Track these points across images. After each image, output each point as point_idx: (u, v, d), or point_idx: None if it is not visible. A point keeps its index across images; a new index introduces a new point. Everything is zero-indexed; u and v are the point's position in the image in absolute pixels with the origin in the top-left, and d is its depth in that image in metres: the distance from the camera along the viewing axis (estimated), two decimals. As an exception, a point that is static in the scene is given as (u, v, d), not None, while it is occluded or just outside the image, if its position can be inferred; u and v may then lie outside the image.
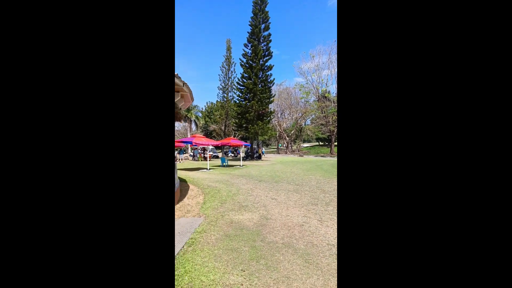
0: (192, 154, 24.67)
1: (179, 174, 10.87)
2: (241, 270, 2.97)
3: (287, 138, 42.54)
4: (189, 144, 23.10)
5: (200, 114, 30.67)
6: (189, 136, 27.85)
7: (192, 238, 4.04)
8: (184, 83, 5.03)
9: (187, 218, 5.19)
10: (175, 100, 5.70)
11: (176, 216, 5.30)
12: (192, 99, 6.19)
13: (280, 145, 46.75)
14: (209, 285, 2.70)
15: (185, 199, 6.53)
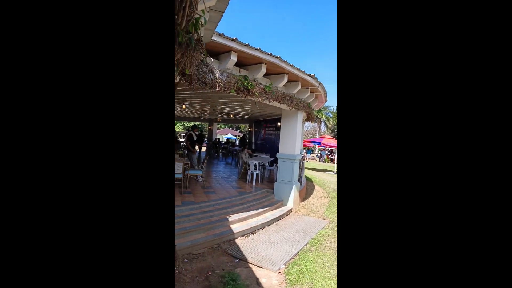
0: (319, 155, 24.67)
1: (306, 173, 11.15)
2: None
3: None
4: (316, 145, 23.18)
5: (331, 115, 29.95)
6: (317, 136, 27.97)
7: (315, 239, 4.03)
8: (319, 84, 5.05)
9: (311, 217, 5.25)
10: (309, 101, 5.83)
11: (300, 213, 5.48)
12: (326, 100, 6.10)
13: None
14: (330, 292, 2.59)
15: (310, 198, 6.61)
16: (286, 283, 2.81)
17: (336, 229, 4.52)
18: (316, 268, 3.09)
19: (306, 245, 3.82)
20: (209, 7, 1.98)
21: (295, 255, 3.49)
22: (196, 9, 1.33)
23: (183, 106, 7.90)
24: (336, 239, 4.09)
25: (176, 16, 1.39)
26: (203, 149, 15.11)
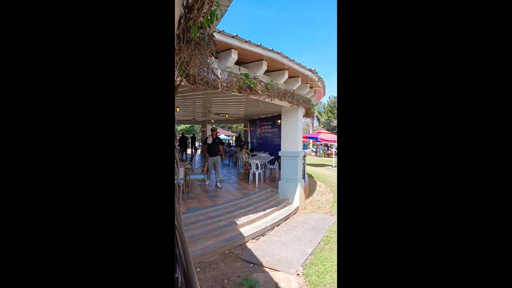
0: (314, 150, 24.76)
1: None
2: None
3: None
4: (311, 140, 23.25)
5: (323, 109, 30.06)
6: (311, 132, 28.05)
7: (327, 236, 3.96)
8: (319, 78, 4.97)
9: (319, 214, 5.17)
10: (309, 96, 5.75)
11: (307, 211, 5.40)
12: (324, 94, 6.04)
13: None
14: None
15: (315, 195, 6.55)
16: (307, 285, 2.72)
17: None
18: (335, 267, 3.01)
19: (319, 243, 3.73)
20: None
21: (310, 254, 3.41)
22: (216, -1, 1.19)
23: (177, 109, 7.69)
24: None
25: (188, 9, 1.25)
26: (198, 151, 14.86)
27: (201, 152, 6.61)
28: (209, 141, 5.68)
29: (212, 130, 6.05)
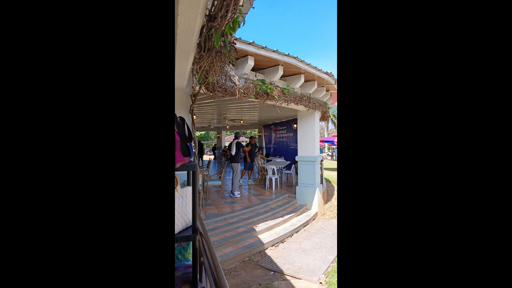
0: (330, 154, 24.31)
1: (321, 173, 10.91)
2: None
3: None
4: (327, 144, 22.86)
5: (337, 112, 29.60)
6: (326, 135, 27.61)
7: (349, 243, 3.83)
8: (335, 81, 4.90)
9: (338, 220, 5.03)
10: (325, 99, 5.67)
11: (326, 217, 5.27)
12: (341, 97, 5.90)
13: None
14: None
15: (333, 200, 6.40)
16: (331, 295, 2.62)
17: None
18: (360, 276, 2.89)
19: (341, 251, 3.61)
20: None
21: (332, 262, 3.30)
22: (241, 5, 1.20)
23: (194, 116, 7.83)
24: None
25: (211, 18, 1.27)
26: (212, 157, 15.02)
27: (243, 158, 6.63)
28: (233, 149, 5.77)
29: (251, 138, 6.64)
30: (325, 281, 2.88)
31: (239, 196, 5.55)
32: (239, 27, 1.39)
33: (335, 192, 7.25)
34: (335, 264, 3.24)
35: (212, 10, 1.23)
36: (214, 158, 15.06)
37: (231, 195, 5.55)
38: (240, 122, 10.87)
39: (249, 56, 3.28)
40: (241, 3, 1.20)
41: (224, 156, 11.07)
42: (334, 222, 4.91)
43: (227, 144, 8.44)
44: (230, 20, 1.24)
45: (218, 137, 16.00)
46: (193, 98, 2.90)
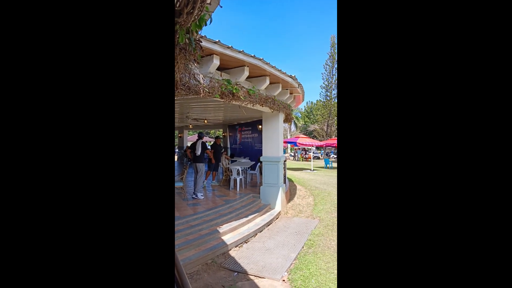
0: (292, 154, 25.20)
1: (284, 173, 11.23)
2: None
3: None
4: (289, 144, 23.63)
5: (300, 115, 30.81)
6: (288, 136, 28.53)
7: (310, 240, 4.00)
8: (299, 84, 5.09)
9: (300, 218, 5.23)
10: (289, 102, 5.86)
11: (289, 215, 5.44)
12: (303, 100, 6.17)
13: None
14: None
15: (295, 199, 6.63)
16: (293, 291, 2.71)
17: (329, 227, 4.56)
18: (320, 270, 3.05)
19: (303, 247, 3.77)
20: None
21: (295, 259, 3.42)
22: (208, 3, 1.17)
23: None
24: (331, 237, 4.12)
25: (177, 14, 1.22)
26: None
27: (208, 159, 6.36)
28: (199, 150, 5.56)
29: (217, 138, 6.44)
30: (288, 278, 2.97)
31: (203, 197, 5.41)
32: (206, 25, 1.35)
33: (298, 191, 7.53)
34: (298, 261, 3.37)
35: (178, 5, 1.18)
36: (176, 159, 14.46)
37: (194, 196, 5.39)
38: (204, 122, 10.63)
39: (214, 55, 3.23)
40: (208, 1, 1.17)
41: (186, 157, 10.64)
42: (296, 220, 5.10)
43: (189, 144, 8.13)
44: (196, 17, 1.21)
45: (180, 136, 15.41)
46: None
